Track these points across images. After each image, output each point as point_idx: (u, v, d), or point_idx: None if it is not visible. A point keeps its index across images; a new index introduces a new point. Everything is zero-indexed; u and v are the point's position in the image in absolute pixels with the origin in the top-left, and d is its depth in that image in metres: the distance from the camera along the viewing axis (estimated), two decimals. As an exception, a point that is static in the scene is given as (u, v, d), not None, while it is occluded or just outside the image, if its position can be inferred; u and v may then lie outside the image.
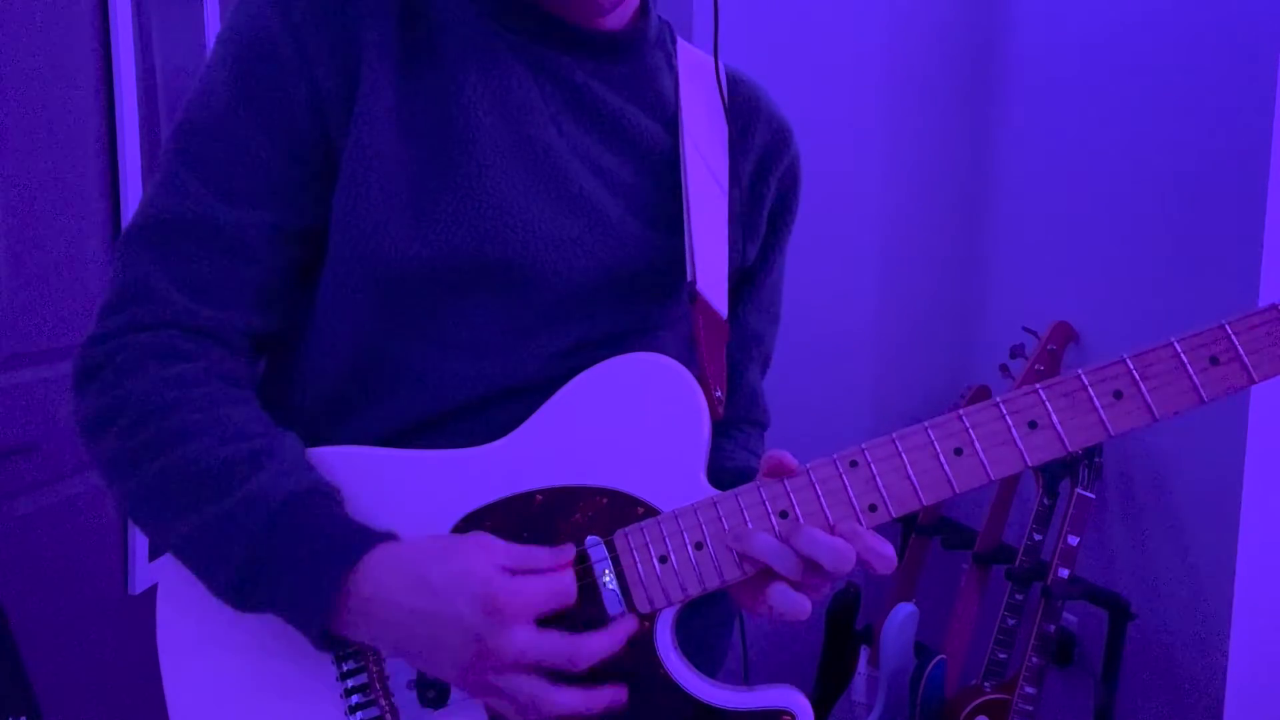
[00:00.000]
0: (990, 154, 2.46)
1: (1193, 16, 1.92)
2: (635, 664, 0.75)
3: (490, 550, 0.72)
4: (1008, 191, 2.42)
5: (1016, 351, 2.16)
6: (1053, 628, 1.98)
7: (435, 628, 0.70)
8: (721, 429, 0.96)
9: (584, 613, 0.75)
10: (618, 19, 0.87)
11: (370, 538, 0.73)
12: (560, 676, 0.72)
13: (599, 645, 0.72)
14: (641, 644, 0.76)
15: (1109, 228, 2.12)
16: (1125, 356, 0.72)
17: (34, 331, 1.47)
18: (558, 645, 0.70)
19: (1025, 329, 2.21)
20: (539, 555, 0.74)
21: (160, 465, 0.74)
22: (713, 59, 0.94)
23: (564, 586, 0.72)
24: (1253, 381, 0.71)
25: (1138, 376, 0.72)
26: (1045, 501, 2.05)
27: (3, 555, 1.40)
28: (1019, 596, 2.06)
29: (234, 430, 0.75)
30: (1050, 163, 2.28)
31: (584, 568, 0.76)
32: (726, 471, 0.88)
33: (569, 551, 0.75)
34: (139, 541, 1.68)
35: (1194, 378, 0.71)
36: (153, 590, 1.74)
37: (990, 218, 2.47)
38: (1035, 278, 2.33)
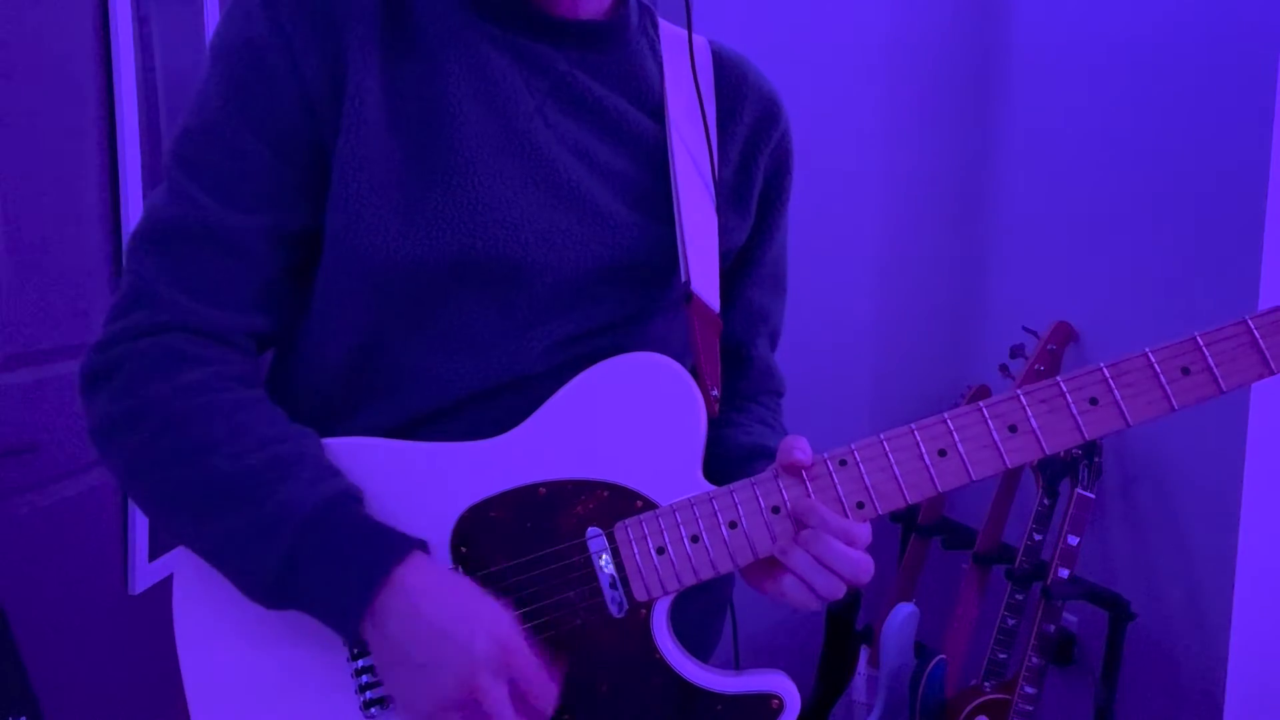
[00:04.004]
0: (991, 154, 2.46)
1: (1193, 17, 1.92)
2: (632, 648, 0.79)
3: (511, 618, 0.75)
4: (1008, 191, 2.42)
5: (1016, 351, 2.16)
6: (1053, 628, 1.98)
7: (444, 647, 0.72)
8: (738, 403, 0.98)
9: (584, 601, 0.79)
10: (596, 7, 0.86)
11: (405, 543, 0.75)
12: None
13: None
14: (638, 630, 0.79)
15: (1109, 228, 2.12)
16: (1102, 365, 0.76)
17: (34, 331, 1.47)
18: None
19: (1025, 329, 2.21)
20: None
21: (184, 473, 0.75)
22: (701, 41, 0.93)
23: (551, 690, 0.75)
24: (1221, 392, 0.75)
25: (1113, 384, 0.76)
26: (1045, 501, 2.05)
27: (3, 555, 1.40)
28: (1019, 596, 2.06)
29: (256, 436, 0.76)
30: (1050, 163, 2.29)
31: (584, 558, 0.79)
32: (741, 447, 0.89)
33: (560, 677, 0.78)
34: (139, 541, 1.68)
35: (1166, 387, 0.75)
36: (152, 590, 1.74)
37: (990, 218, 2.47)
38: (1035, 278, 2.33)
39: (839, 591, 0.77)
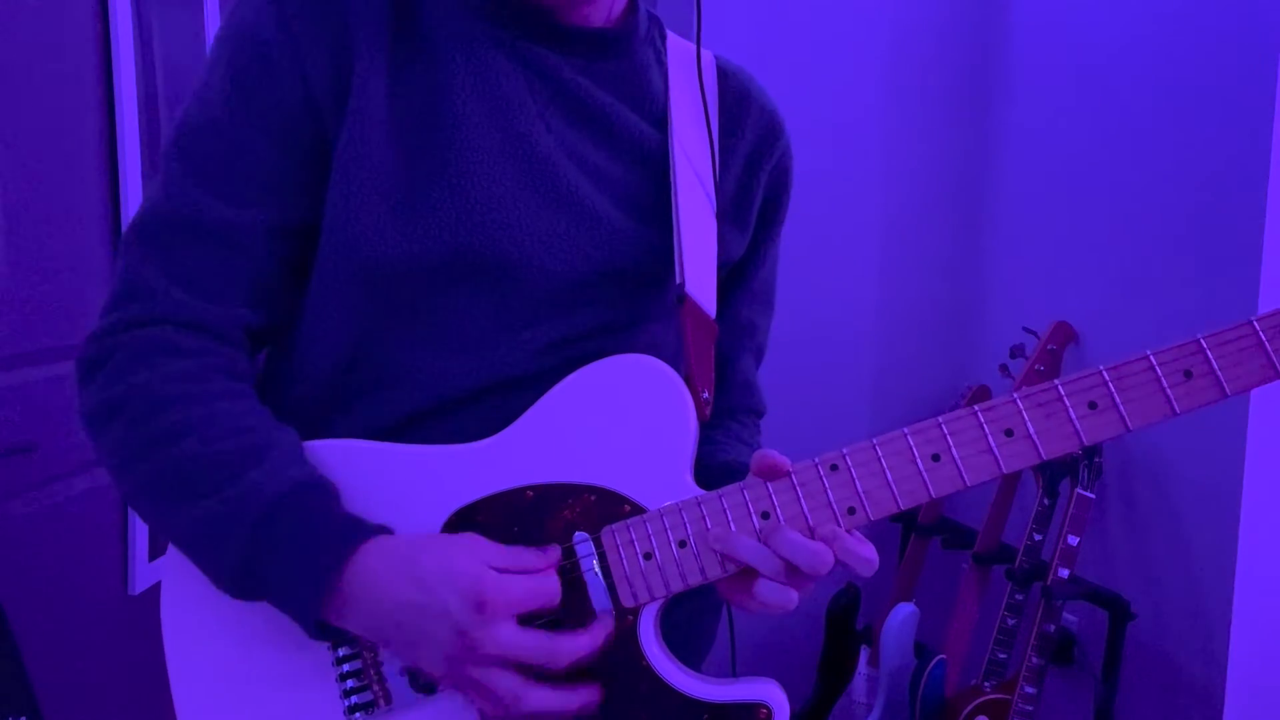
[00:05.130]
0: (990, 154, 2.46)
1: (1193, 17, 1.92)
2: (618, 655, 0.78)
3: (479, 549, 0.74)
4: (1008, 192, 2.42)
5: (1016, 351, 2.16)
6: (1053, 628, 1.98)
7: (423, 620, 0.71)
8: (716, 419, 0.97)
9: (570, 607, 0.77)
10: (604, 15, 0.87)
11: (364, 530, 0.74)
12: (540, 675, 0.74)
13: (578, 645, 0.74)
14: (625, 636, 0.78)
15: (1109, 228, 2.12)
16: (1101, 368, 0.74)
17: (34, 331, 1.47)
18: (539, 643, 0.72)
19: (1025, 329, 2.21)
20: (526, 556, 0.76)
21: (163, 458, 0.75)
22: (707, 55, 0.93)
23: (549, 587, 0.74)
24: (1225, 396, 0.72)
25: (1113, 388, 0.73)
26: (1045, 501, 2.05)
27: (3, 555, 1.40)
28: (1019, 596, 2.06)
29: (234, 424, 0.77)
30: (1050, 163, 2.28)
31: (571, 563, 0.78)
32: (715, 465, 0.88)
33: (555, 553, 0.77)
34: (139, 542, 1.68)
35: (1168, 391, 0.73)
36: (153, 590, 1.74)
37: (990, 218, 2.47)
38: (1035, 278, 2.33)
39: (805, 584, 0.76)
